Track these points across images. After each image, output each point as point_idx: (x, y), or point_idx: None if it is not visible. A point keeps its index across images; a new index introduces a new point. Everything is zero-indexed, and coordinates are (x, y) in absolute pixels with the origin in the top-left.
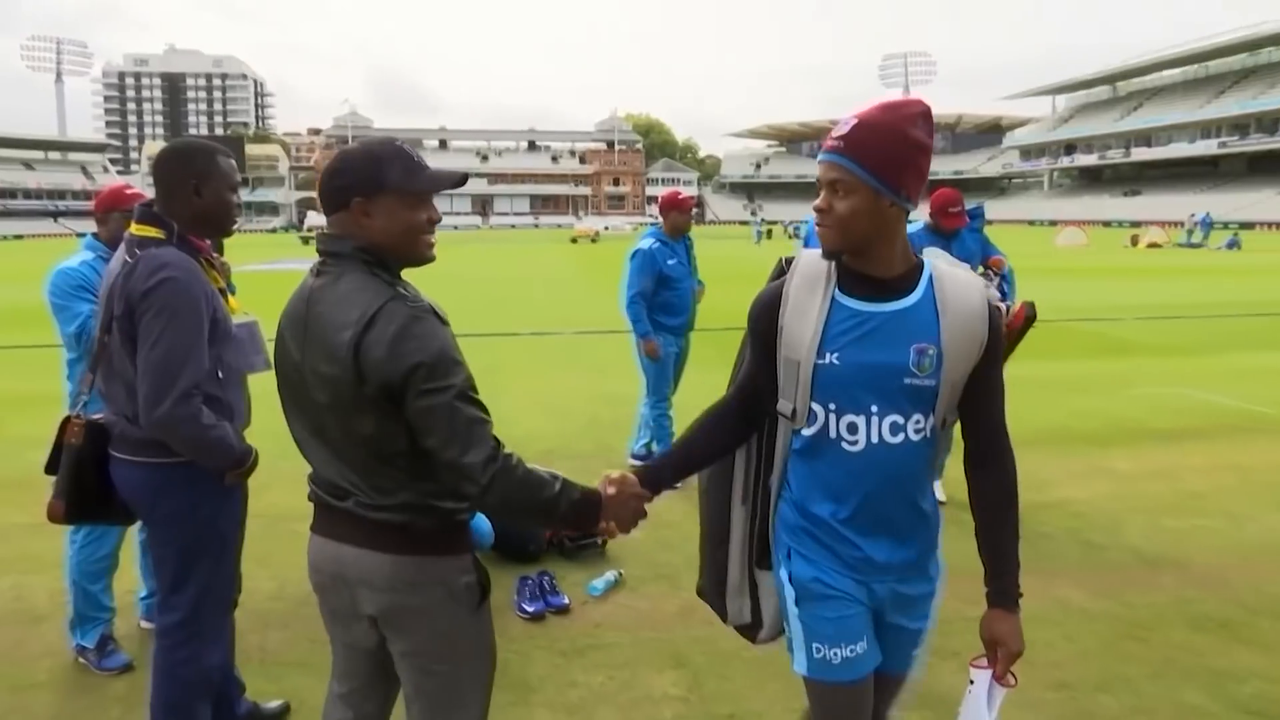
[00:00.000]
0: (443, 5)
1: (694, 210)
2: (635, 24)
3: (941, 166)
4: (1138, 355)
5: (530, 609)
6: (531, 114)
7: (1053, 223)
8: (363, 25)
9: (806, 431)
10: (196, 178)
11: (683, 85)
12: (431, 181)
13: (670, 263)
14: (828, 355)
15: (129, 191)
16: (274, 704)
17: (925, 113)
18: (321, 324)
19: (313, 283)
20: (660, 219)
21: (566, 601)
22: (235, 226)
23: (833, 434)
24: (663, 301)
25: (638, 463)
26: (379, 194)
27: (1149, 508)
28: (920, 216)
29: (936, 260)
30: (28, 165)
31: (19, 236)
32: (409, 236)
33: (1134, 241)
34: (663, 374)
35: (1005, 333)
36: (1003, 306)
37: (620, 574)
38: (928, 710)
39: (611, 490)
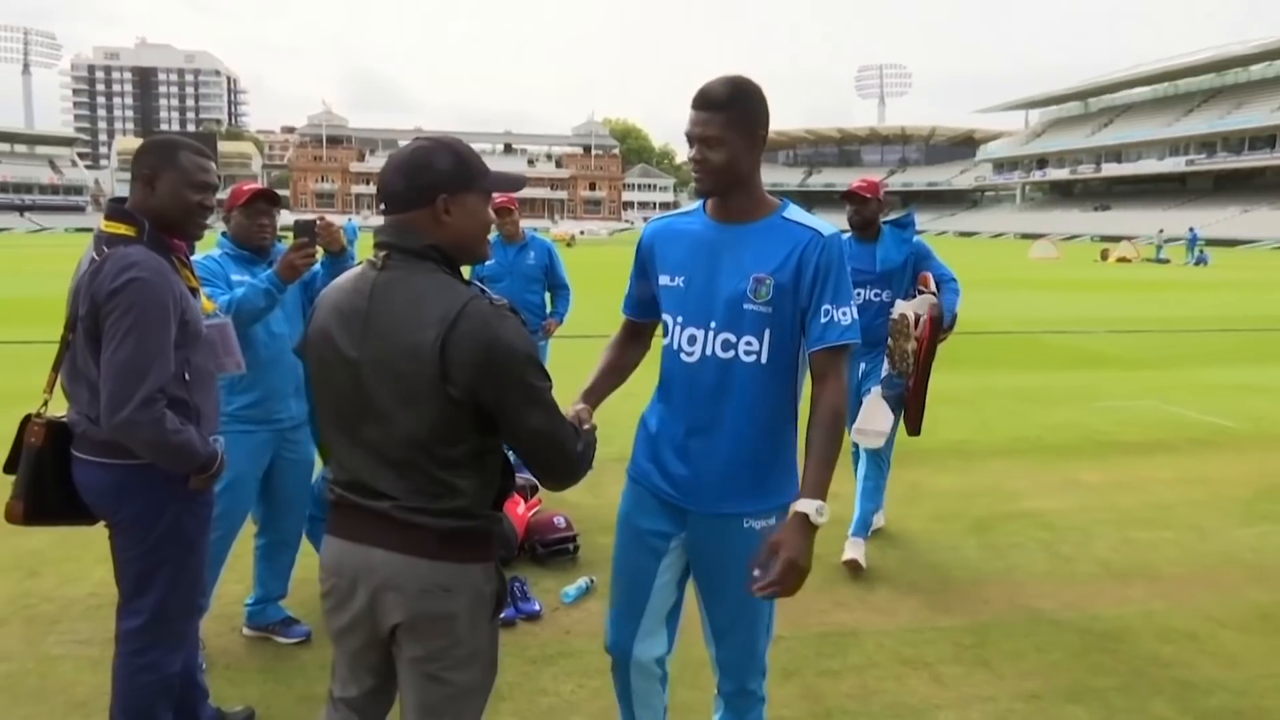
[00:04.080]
0: (420, 5)
1: (510, 215)
2: (614, 29)
3: (915, 178)
4: (1108, 368)
5: (501, 615)
6: (508, 117)
7: (1024, 235)
8: (338, 23)
9: None
10: (151, 170)
11: (661, 91)
12: (504, 182)
13: (488, 262)
14: None
15: None
16: (238, 710)
17: None
18: (393, 321)
19: (375, 277)
20: None
21: (538, 608)
22: (201, 231)
23: None
24: None
25: None
26: (464, 191)
27: (1118, 520)
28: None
29: None
30: None
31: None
32: (483, 234)
33: (1104, 256)
34: None
35: (919, 345)
36: (911, 315)
37: (593, 581)
38: None
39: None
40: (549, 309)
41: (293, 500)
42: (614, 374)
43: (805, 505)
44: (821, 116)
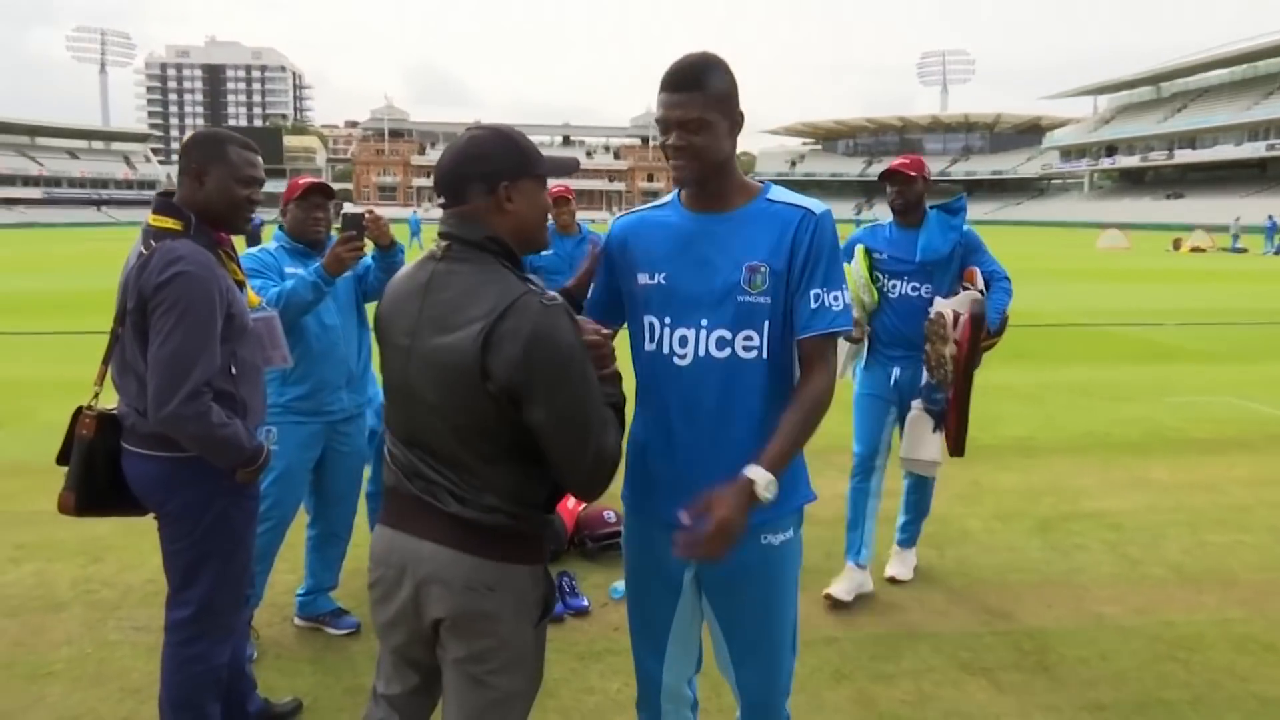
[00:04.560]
0: (480, 1)
1: (567, 204)
2: (672, 20)
3: (979, 166)
4: (1180, 362)
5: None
6: (567, 110)
7: (1093, 225)
8: (400, 19)
9: None
10: (200, 165)
11: None
12: (559, 166)
13: (545, 253)
14: None
15: None
16: (286, 701)
17: None
18: (443, 312)
19: (435, 267)
20: None
21: (586, 604)
22: (250, 225)
23: None
24: None
25: None
26: (524, 177)
27: (1191, 521)
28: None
29: None
30: (72, 154)
31: (65, 224)
32: (543, 221)
33: (1176, 245)
34: None
35: (958, 349)
36: (949, 315)
37: None
38: None
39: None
40: None
41: (343, 493)
42: None
43: (756, 473)
44: (882, 105)
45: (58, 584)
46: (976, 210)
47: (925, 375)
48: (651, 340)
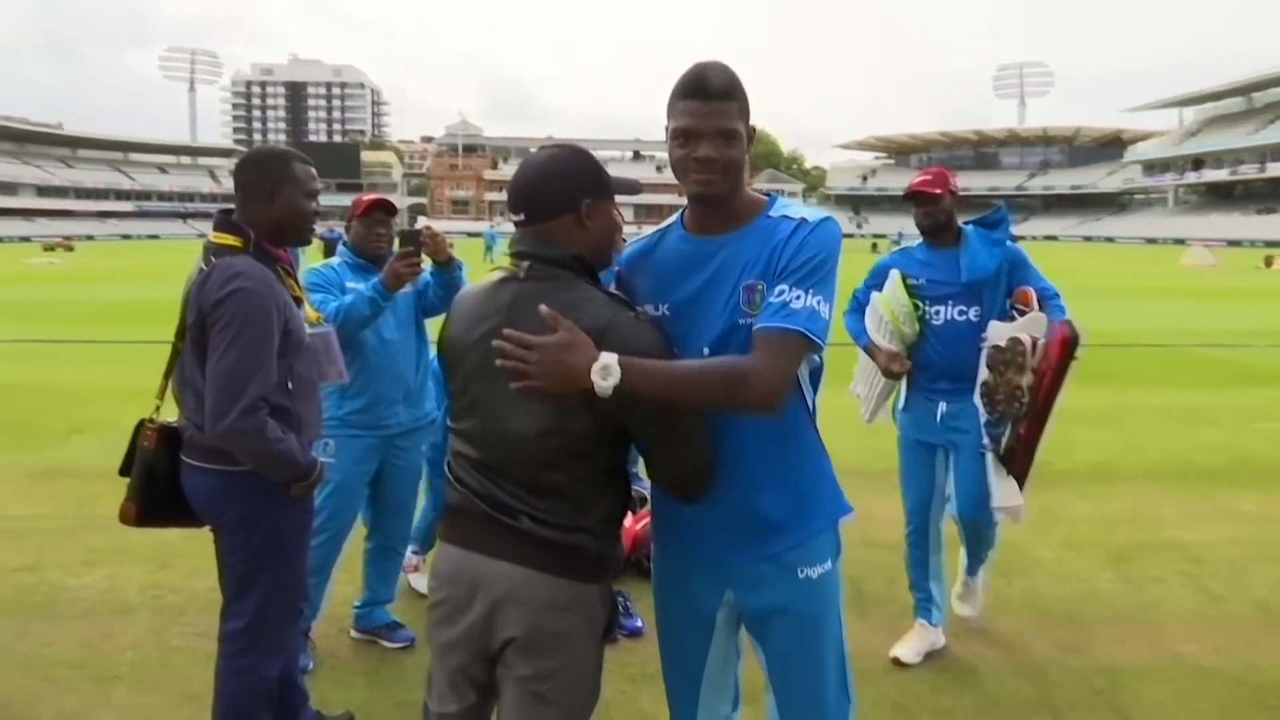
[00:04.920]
0: (553, 17)
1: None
2: (743, 34)
3: (1058, 181)
4: (1270, 385)
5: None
6: (637, 124)
7: (1177, 241)
8: (475, 36)
9: None
10: (270, 183)
11: (790, 96)
12: (625, 186)
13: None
14: None
15: None
16: (338, 714)
17: None
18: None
19: (518, 288)
20: None
21: (640, 625)
22: (330, 237)
23: None
24: None
25: None
26: (601, 196)
27: (1279, 555)
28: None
29: None
30: (161, 169)
31: (154, 236)
32: (613, 238)
33: (1268, 263)
34: None
35: (1040, 378)
36: (1028, 340)
37: None
38: None
39: None
40: None
41: (399, 507)
42: None
43: (608, 356)
44: (957, 119)
45: (128, 588)
46: (1054, 226)
47: (984, 411)
48: None
